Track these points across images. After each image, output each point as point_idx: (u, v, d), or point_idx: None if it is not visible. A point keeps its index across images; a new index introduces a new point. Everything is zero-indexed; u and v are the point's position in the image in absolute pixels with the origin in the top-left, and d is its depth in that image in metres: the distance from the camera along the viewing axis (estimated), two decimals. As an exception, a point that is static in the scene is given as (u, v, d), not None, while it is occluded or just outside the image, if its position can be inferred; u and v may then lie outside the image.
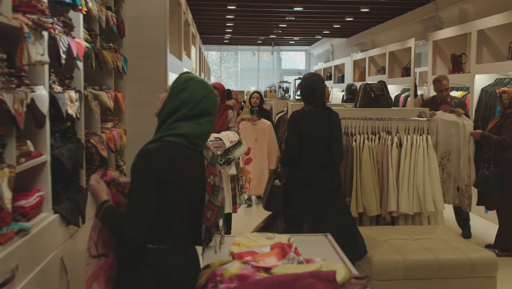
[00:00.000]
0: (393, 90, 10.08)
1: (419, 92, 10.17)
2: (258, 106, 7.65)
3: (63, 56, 2.50)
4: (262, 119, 7.16)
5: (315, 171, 3.66)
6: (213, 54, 25.23)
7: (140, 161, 1.92)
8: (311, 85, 3.77)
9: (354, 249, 3.64)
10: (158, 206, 1.91)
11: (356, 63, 13.32)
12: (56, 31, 2.51)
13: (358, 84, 7.66)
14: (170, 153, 1.93)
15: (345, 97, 9.51)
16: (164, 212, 1.94)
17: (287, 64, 26.04)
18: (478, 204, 5.33)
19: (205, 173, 2.02)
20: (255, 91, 7.95)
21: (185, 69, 7.19)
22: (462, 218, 5.65)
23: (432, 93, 8.22)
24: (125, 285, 1.97)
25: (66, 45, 2.55)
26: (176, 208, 1.96)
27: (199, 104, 1.99)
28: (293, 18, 13.23)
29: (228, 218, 4.99)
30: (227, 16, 13.06)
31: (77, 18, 2.89)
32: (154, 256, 1.94)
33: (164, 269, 1.94)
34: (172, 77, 5.93)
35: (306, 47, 24.52)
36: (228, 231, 5.05)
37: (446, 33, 8.33)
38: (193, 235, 2.08)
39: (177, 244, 1.99)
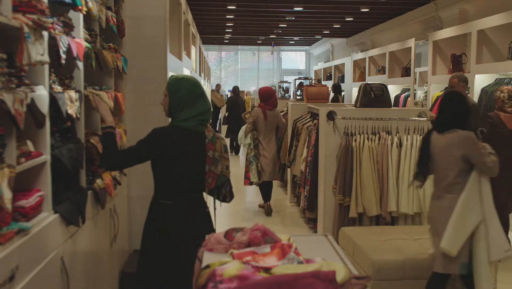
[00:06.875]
0: (393, 90, 10.08)
1: (420, 94, 10.18)
2: None
3: (63, 56, 2.50)
4: None
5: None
6: (213, 54, 25.21)
7: (149, 132, 2.72)
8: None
9: None
10: (162, 171, 2.67)
11: (356, 63, 13.32)
12: (56, 31, 2.51)
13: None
14: (171, 132, 2.70)
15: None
16: (168, 176, 2.67)
17: (287, 64, 26.03)
18: None
19: (206, 148, 2.71)
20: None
21: (185, 69, 7.19)
22: None
23: (432, 93, 8.24)
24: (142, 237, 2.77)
25: (66, 45, 2.55)
26: (178, 174, 2.67)
27: (193, 94, 2.73)
28: (293, 18, 13.23)
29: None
30: (227, 16, 13.06)
31: (77, 18, 2.89)
32: (161, 209, 2.68)
33: (168, 220, 2.66)
34: (172, 77, 5.92)
35: (306, 47, 24.51)
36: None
37: (446, 33, 8.33)
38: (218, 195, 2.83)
39: (181, 201, 2.68)
